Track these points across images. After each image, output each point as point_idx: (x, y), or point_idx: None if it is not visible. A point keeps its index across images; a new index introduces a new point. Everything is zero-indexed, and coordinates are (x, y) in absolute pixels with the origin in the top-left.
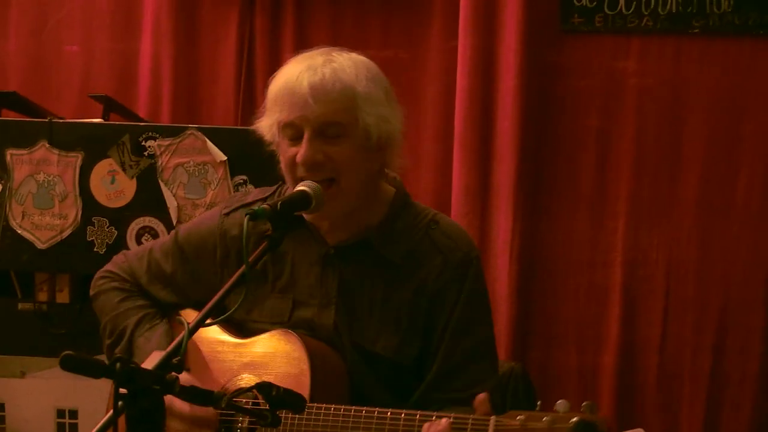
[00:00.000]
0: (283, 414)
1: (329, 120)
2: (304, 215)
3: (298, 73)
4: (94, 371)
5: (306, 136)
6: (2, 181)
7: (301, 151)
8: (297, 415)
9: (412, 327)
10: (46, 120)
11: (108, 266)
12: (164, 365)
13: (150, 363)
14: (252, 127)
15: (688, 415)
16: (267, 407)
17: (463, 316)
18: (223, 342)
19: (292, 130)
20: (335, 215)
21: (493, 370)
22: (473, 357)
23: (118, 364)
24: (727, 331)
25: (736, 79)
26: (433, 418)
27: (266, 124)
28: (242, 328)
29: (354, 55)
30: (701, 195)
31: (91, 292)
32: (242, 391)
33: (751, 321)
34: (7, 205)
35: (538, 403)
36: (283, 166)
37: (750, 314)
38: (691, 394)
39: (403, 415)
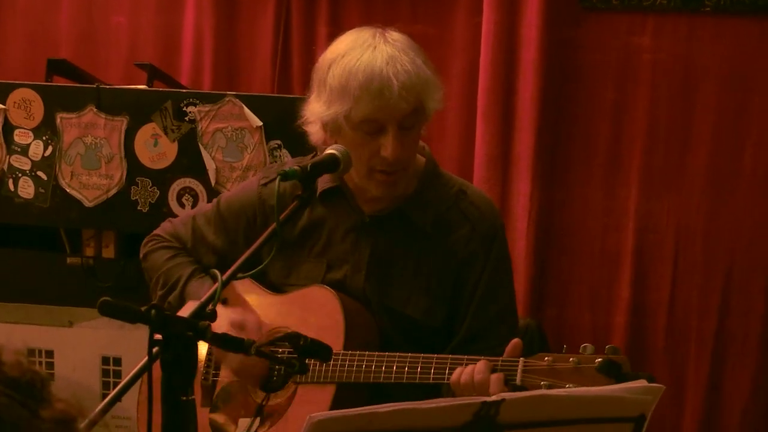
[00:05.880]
0: (311, 362)
1: (409, 112)
2: (349, 183)
3: (381, 69)
4: (130, 316)
5: (393, 132)
6: (52, 143)
7: (390, 148)
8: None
9: (440, 291)
10: (94, 86)
11: (155, 231)
12: (198, 313)
13: (185, 312)
14: (301, 117)
15: (695, 372)
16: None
17: (489, 283)
18: (259, 297)
19: (372, 125)
20: (396, 194)
21: (514, 331)
22: (497, 320)
23: (153, 311)
24: (731, 293)
25: (745, 55)
26: (464, 362)
27: (327, 112)
28: (279, 290)
29: (409, 40)
30: (710, 165)
31: (141, 253)
32: (273, 342)
33: (754, 284)
34: (57, 166)
35: (564, 346)
36: (355, 156)
37: (753, 278)
38: (697, 353)
39: (435, 359)
